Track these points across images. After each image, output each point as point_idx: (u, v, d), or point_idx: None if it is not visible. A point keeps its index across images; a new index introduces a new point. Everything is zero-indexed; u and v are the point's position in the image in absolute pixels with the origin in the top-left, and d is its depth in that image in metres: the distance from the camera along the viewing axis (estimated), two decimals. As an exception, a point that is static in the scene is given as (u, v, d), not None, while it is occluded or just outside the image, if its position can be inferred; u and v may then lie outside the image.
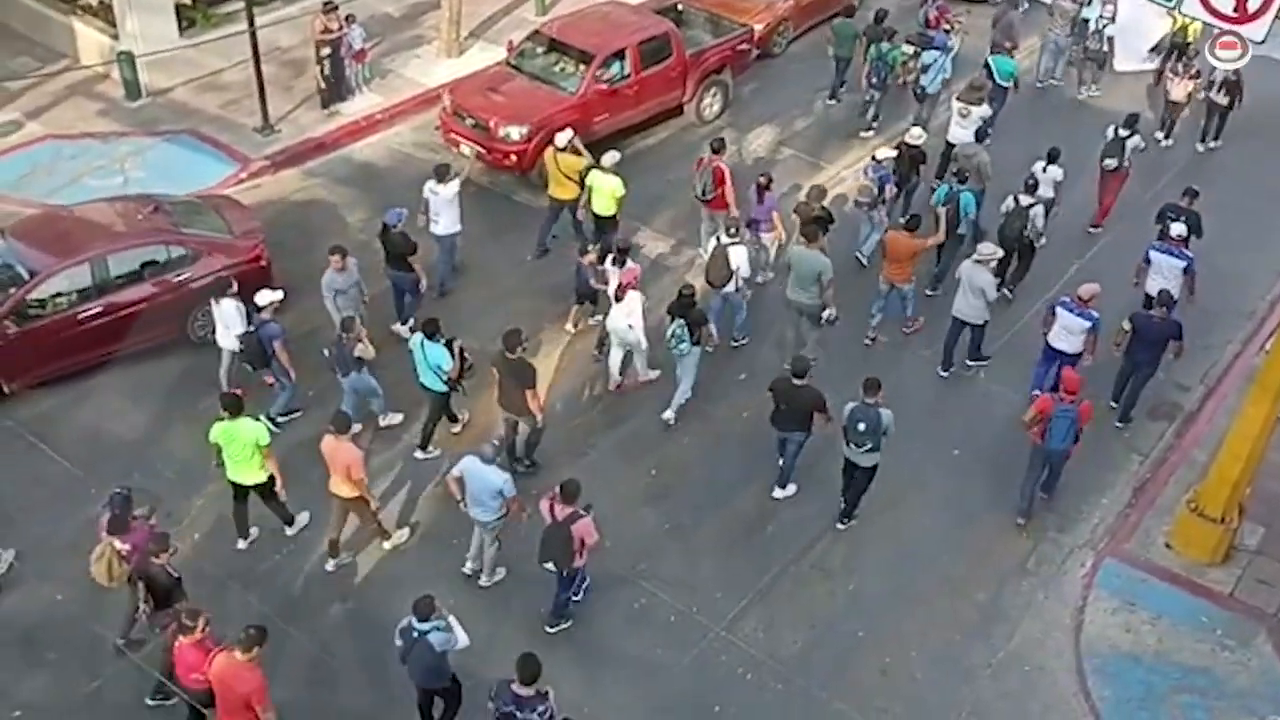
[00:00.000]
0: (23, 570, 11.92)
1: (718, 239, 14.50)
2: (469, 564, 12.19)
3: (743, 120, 19.75)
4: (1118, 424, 14.46)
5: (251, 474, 11.81)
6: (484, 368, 13.26)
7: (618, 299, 13.81)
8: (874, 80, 19.16)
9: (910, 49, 18.96)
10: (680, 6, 20.76)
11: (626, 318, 13.81)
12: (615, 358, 14.33)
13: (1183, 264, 14.70)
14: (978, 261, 14.27)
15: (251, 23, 17.87)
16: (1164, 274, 14.73)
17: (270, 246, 15.21)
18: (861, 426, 12.18)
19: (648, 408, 14.30)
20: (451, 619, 10.02)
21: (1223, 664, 11.82)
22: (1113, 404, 14.56)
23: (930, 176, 17.40)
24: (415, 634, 9.88)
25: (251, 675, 9.33)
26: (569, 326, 15.25)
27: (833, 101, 20.42)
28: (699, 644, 11.80)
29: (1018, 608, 12.37)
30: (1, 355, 13.33)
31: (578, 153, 16.01)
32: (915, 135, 16.82)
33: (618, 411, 14.35)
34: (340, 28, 18.71)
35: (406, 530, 12.68)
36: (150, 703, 10.82)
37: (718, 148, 15.99)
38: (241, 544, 12.41)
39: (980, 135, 16.96)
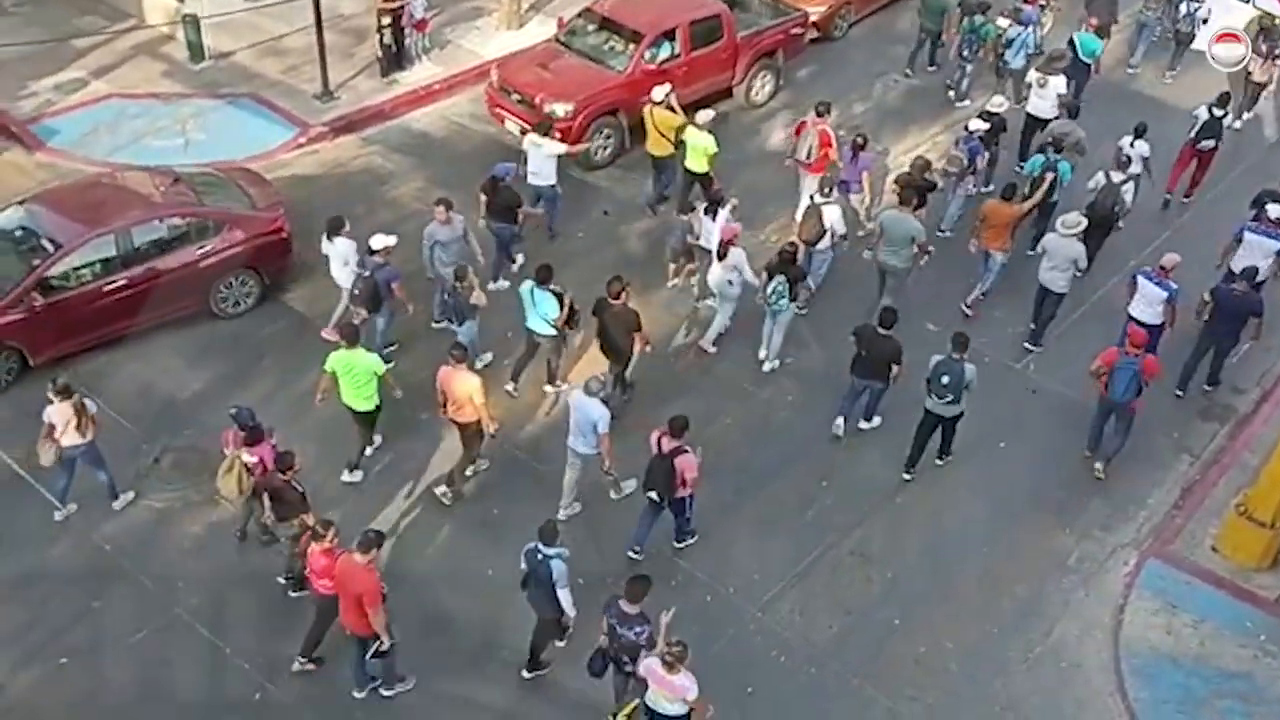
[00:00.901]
0: (74, 521, 12.18)
1: (811, 198, 15.03)
2: (563, 504, 12.54)
3: (799, 103, 19.57)
4: (1205, 386, 14.65)
5: (364, 401, 12.38)
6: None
7: (720, 256, 14.10)
8: (964, 53, 19.31)
9: (1005, 23, 18.97)
10: None
11: (727, 273, 14.12)
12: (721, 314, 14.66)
13: (1278, 246, 14.74)
14: (1065, 234, 14.41)
15: (315, -11, 17.99)
16: (1255, 254, 14.69)
17: (326, 210, 15.25)
18: (946, 380, 12.60)
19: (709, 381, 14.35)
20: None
21: (1265, 670, 11.66)
22: (1178, 393, 14.53)
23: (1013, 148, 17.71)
24: (540, 556, 10.38)
25: (367, 576, 9.97)
26: (672, 281, 15.60)
27: (909, 75, 20.45)
28: (734, 625, 11.83)
29: (1057, 604, 12.28)
30: (28, 328, 13.30)
31: (672, 110, 16.33)
32: (996, 104, 17.15)
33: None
34: (403, -3, 18.82)
35: (485, 461, 13.01)
36: (292, 593, 11.53)
37: (823, 111, 16.31)
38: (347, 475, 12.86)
39: (1074, 112, 17.07)
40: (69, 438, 11.60)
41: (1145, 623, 12.09)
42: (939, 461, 13.52)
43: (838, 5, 21.14)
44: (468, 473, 12.80)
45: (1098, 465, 13.56)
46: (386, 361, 13.01)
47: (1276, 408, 14.54)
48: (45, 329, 13.41)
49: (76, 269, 13.55)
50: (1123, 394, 12.87)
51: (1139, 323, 13.86)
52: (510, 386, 13.95)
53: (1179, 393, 14.54)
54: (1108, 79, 19.77)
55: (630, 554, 12.14)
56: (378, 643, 10.22)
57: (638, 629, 9.89)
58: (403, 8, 18.82)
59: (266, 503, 11.14)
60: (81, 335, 13.74)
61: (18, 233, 13.81)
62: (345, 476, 12.83)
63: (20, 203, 14.34)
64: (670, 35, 18.14)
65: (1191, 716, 11.27)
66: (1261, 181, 16.46)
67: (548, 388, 14.10)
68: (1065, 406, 14.42)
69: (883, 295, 14.93)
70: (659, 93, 16.39)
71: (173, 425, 13.30)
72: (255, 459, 11.23)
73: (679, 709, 9.68)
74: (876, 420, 13.88)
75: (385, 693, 10.93)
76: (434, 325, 14.57)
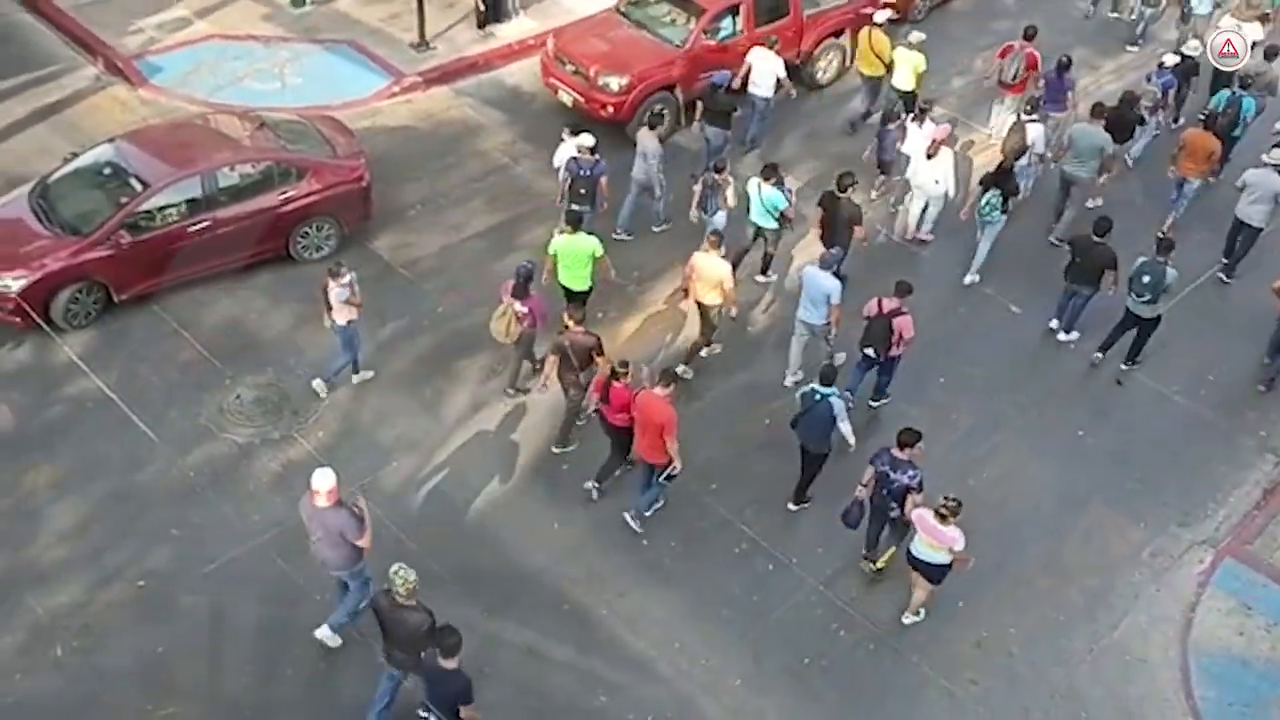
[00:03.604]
0: (159, 449, 12.52)
1: (1017, 115, 15.96)
2: (789, 376, 13.73)
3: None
4: None
5: (581, 281, 13.53)
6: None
7: (929, 156, 15.16)
8: None
9: None
10: None
11: (934, 172, 15.21)
12: (916, 208, 15.80)
13: None
14: (1269, 164, 14.95)
15: (416, -62, 18.11)
16: None
17: (415, 160, 15.44)
18: (1146, 279, 13.46)
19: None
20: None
21: (1337, 679, 11.41)
22: (1260, 389, 14.33)
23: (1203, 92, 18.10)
24: (817, 397, 11.60)
25: (666, 407, 11.31)
26: (871, 195, 16.49)
27: (1115, 14, 21.10)
28: (795, 595, 11.85)
29: (1126, 597, 12.10)
30: (114, 265, 13.49)
31: (885, 31, 17.47)
32: (1192, 47, 17.80)
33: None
34: (503, -50, 18.87)
35: (719, 345, 14.09)
36: (556, 450, 12.90)
37: (1031, 35, 17.10)
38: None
39: (1270, 54, 17.32)
40: (341, 315, 12.65)
41: (1217, 622, 11.87)
42: (1124, 366, 14.27)
43: None
44: (702, 353, 13.85)
45: (1259, 388, 14.23)
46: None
47: (1372, 413, 14.13)
48: (130, 266, 13.66)
49: (162, 209, 13.75)
50: None
51: None
52: (761, 276, 15.09)
53: (1267, 360, 14.48)
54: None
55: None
56: (670, 466, 11.48)
57: (911, 473, 11.05)
58: (502, -39, 18.90)
59: (554, 360, 12.30)
60: (165, 274, 13.99)
61: (107, 170, 14.09)
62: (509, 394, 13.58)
63: (111, 141, 14.63)
64: (734, 10, 17.64)
65: (1258, 720, 11.08)
66: None
67: (759, 278, 15.15)
68: (1151, 398, 14.15)
69: (1066, 207, 15.93)
70: (881, 16, 17.54)
71: (256, 363, 13.59)
72: (525, 309, 12.59)
73: (942, 558, 10.80)
74: (1075, 334, 14.66)
75: (645, 513, 12.13)
76: (614, 237, 15.25)
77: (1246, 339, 14.87)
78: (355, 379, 13.38)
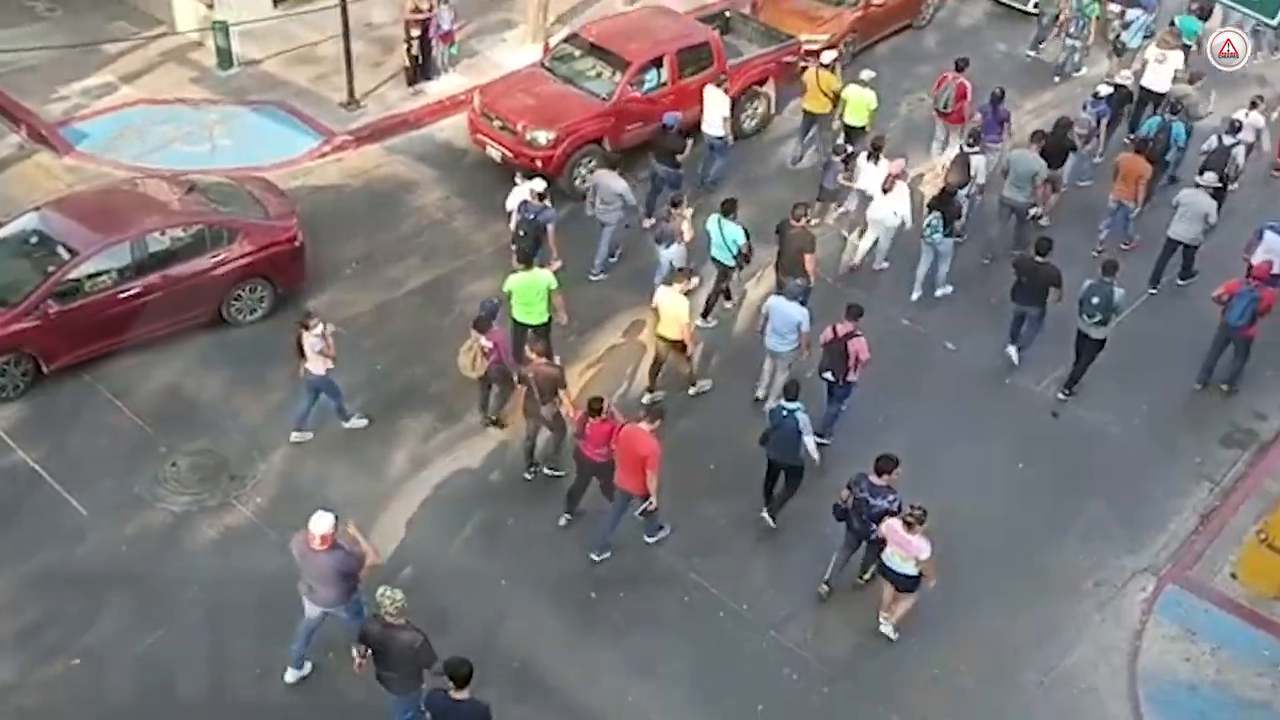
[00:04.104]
0: (92, 523, 12.24)
1: (960, 147, 16.64)
2: (760, 389, 14.15)
3: (788, 129, 19.38)
4: (1223, 385, 15.06)
5: (537, 315, 13.73)
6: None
7: (885, 190, 15.67)
8: (1072, 31, 21.08)
9: (1116, 7, 20.88)
10: (728, 14, 20.44)
11: (892, 205, 15.68)
12: (867, 243, 16.26)
13: None
14: (1199, 187, 15.80)
15: (343, -1, 18.12)
16: (1274, 254, 15.04)
17: (348, 218, 15.37)
18: (1095, 300, 13.95)
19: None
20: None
21: (1283, 700, 11.55)
22: (1196, 386, 15.01)
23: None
24: (784, 412, 12.05)
25: (651, 440, 11.53)
26: (817, 220, 16.84)
27: (1033, 53, 21.99)
28: (747, 642, 11.79)
29: (1073, 628, 12.18)
30: (43, 336, 13.24)
31: (831, 71, 18.07)
32: (1123, 76, 18.84)
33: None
34: (430, 8, 18.92)
35: (708, 381, 14.51)
36: (528, 474, 13.15)
37: (961, 66, 18.02)
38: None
39: (1193, 79, 18.59)
40: (317, 365, 12.68)
41: (1163, 649, 11.98)
42: (1060, 396, 14.70)
43: (842, 33, 20.85)
44: (691, 392, 14.26)
45: (1223, 387, 14.86)
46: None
47: (1300, 435, 14.44)
48: (59, 336, 13.37)
49: (91, 276, 13.50)
50: (1237, 319, 14.18)
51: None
52: (700, 320, 15.19)
53: (1198, 386, 14.98)
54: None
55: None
56: (648, 501, 11.72)
57: (890, 498, 11.34)
58: (430, 19, 18.95)
59: (530, 388, 12.53)
60: (95, 342, 13.70)
61: (33, 239, 13.84)
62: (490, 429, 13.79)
63: (36, 209, 14.37)
64: (658, 62, 17.81)
65: (1207, 745, 11.18)
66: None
67: (700, 322, 15.24)
68: (1088, 430, 14.37)
69: (1004, 228, 16.65)
70: (828, 56, 18.27)
71: (191, 430, 13.36)
72: (490, 345, 12.85)
73: (911, 568, 11.14)
74: (1016, 354, 15.05)
75: (649, 539, 12.41)
76: (590, 278, 15.78)
77: (1176, 366, 15.19)
78: (347, 426, 13.41)
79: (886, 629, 11.83)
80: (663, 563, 12.35)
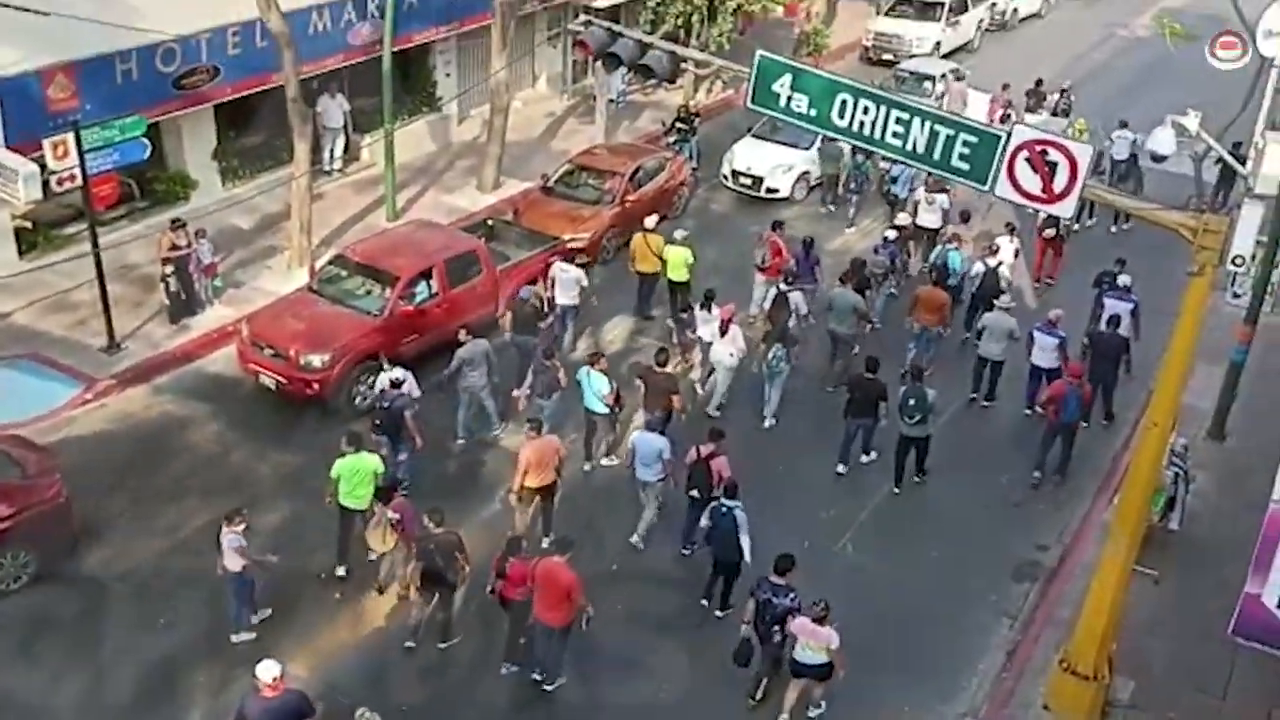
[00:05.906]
0: None
1: (777, 287, 18.38)
2: (635, 537, 14.79)
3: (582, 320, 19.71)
4: (1103, 421, 17.48)
5: (362, 500, 13.74)
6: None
7: (722, 333, 17.03)
8: (852, 186, 23.84)
9: (885, 164, 22.59)
10: (490, 221, 21.00)
11: (729, 346, 17.05)
12: (716, 382, 17.48)
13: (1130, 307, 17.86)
14: (1003, 309, 17.76)
15: (95, 244, 17.61)
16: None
17: (118, 465, 14.58)
18: (913, 402, 15.52)
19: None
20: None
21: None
22: (1036, 475, 16.42)
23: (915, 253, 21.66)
24: (723, 510, 12.95)
25: (568, 572, 11.97)
26: (675, 365, 17.75)
27: (829, 209, 24.47)
28: None
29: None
30: None
31: (655, 233, 19.67)
32: (902, 220, 21.42)
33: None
34: (189, 244, 18.64)
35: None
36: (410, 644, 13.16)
37: (775, 226, 20.00)
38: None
39: (965, 217, 21.35)
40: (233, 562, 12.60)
41: (993, 792, 12.09)
42: (916, 479, 16.04)
43: (603, 230, 21.73)
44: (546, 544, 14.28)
45: (1055, 478, 16.37)
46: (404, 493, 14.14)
47: (1079, 561, 15.10)
48: None
49: None
50: (1071, 415, 15.84)
51: (1041, 370, 17.15)
52: (586, 465, 16.17)
53: (1036, 474, 16.40)
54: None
55: (683, 551, 14.58)
56: (582, 618, 12.12)
57: (791, 596, 11.96)
58: (188, 255, 18.65)
59: (415, 566, 12.68)
60: None
61: None
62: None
63: None
64: (427, 275, 17.99)
65: None
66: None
67: (605, 461, 16.29)
68: (886, 582, 14.68)
69: (837, 358, 18.31)
70: (650, 221, 19.92)
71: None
72: (397, 515, 13.03)
73: (823, 658, 11.81)
74: (874, 454, 16.37)
75: (547, 688, 12.59)
76: (458, 440, 16.47)
77: (966, 503, 15.82)
78: (234, 639, 13.13)
79: (813, 711, 12.45)
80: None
